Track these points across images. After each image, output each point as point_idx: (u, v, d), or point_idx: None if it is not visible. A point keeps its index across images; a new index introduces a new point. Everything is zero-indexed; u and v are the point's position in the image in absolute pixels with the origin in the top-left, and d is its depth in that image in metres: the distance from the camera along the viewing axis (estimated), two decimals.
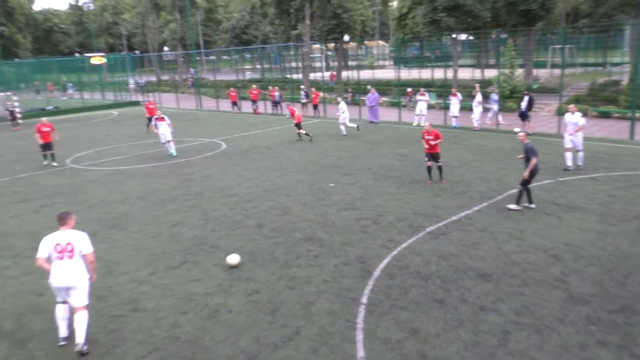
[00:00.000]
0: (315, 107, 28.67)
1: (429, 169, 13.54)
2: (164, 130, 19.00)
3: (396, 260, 8.81)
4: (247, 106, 33.16)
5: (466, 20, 29.84)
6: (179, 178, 15.66)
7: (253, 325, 6.98)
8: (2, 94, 36.66)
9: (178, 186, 14.69)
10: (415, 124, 23.88)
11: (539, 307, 7.05)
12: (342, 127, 21.83)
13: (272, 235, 10.30)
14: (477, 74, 40.78)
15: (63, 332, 6.75)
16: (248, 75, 65.56)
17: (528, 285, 7.67)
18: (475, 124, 21.68)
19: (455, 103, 22.46)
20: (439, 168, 13.57)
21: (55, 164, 18.58)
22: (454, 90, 24.29)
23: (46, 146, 18.54)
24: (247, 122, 27.78)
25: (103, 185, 15.31)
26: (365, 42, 68.11)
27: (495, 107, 22.92)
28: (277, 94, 30.76)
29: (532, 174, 10.87)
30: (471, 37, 42.22)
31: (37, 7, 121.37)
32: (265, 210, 11.99)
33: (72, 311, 6.63)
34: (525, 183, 10.99)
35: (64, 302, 6.69)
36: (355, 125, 22.30)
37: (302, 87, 31.78)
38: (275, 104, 30.77)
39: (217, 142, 21.67)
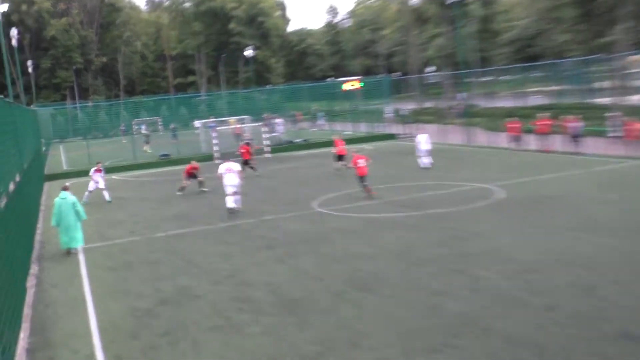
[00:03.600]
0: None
1: None
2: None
3: None
4: (532, 141, 32.20)
5: None
6: (440, 233, 15.90)
7: None
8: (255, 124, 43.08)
9: (440, 243, 14.88)
10: None
11: None
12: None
13: (569, 324, 9.47)
14: None
15: (231, 205, 20.07)
16: (534, 100, 64.00)
17: None
18: None
19: None
20: None
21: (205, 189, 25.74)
22: None
23: (195, 180, 25.70)
24: (532, 163, 27.06)
25: (351, 236, 16.40)
26: None
27: None
28: (576, 124, 29.15)
29: None
30: None
31: (291, 28, 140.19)
32: (558, 285, 11.23)
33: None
34: None
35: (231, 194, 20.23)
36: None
37: (611, 114, 29.47)
38: (575, 138, 29.12)
39: (491, 188, 21.39)
